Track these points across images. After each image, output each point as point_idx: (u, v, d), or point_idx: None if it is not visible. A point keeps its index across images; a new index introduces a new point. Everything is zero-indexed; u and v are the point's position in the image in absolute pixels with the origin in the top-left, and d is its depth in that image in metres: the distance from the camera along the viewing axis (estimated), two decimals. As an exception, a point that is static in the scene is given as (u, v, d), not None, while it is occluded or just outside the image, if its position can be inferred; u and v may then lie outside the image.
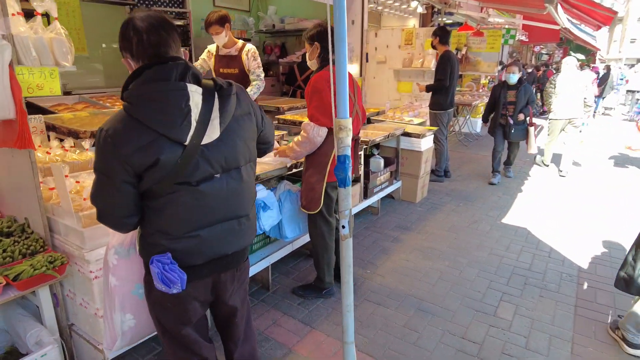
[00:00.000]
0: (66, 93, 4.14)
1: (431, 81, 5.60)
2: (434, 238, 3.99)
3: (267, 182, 2.99)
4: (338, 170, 1.62)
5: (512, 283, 3.21)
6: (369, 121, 5.41)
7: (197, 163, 1.37)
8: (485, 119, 5.93)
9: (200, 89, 1.39)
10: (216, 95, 1.42)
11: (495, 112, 5.66)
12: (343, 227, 1.67)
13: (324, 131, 2.57)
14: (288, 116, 4.54)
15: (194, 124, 1.35)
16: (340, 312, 1.87)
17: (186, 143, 1.34)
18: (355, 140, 2.85)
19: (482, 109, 9.66)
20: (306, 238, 3.21)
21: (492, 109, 5.75)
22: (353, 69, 6.36)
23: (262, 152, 1.75)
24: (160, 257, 1.41)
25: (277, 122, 4.43)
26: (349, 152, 1.60)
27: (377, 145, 4.66)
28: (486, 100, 8.05)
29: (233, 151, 1.46)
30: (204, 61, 3.90)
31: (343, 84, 1.52)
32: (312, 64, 2.72)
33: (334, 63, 1.51)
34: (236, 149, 1.47)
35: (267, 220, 2.75)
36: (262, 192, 2.72)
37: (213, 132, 1.39)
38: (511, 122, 5.49)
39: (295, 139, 2.70)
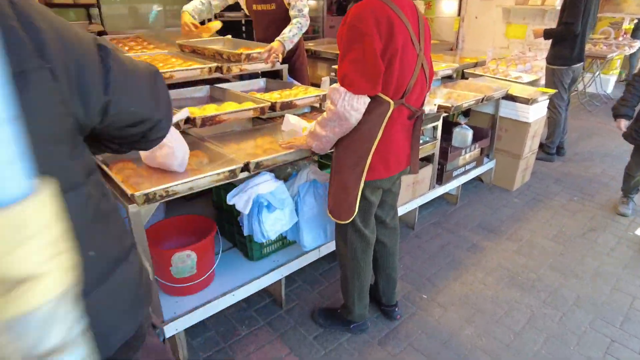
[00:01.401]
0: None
1: (553, 25, 4.06)
2: (529, 250, 2.85)
3: (282, 167, 2.10)
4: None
5: (651, 351, 2.06)
6: (462, 75, 4.15)
7: None
8: (626, 114, 3.10)
9: None
10: None
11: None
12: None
13: (362, 103, 1.59)
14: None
15: None
16: None
17: None
18: (417, 118, 1.81)
19: (618, 64, 7.49)
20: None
21: None
22: (449, 4, 4.96)
23: (143, 143, 0.88)
24: None
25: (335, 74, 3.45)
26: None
27: (466, 112, 3.46)
28: (629, 51, 6.06)
29: None
30: None
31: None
32: None
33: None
34: None
35: (272, 226, 1.91)
36: (266, 185, 1.86)
37: None
38: None
39: (319, 117, 1.74)
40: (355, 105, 1.58)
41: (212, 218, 2.14)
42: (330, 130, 1.69)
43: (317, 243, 2.14)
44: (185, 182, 1.60)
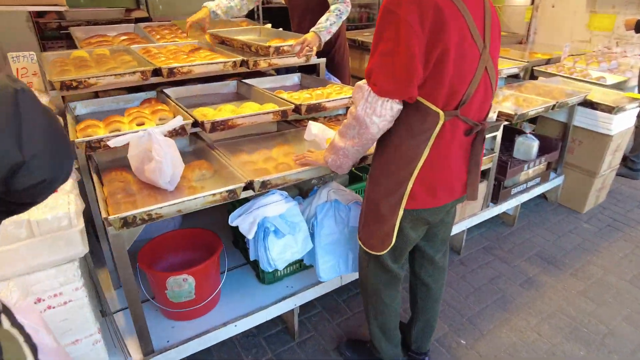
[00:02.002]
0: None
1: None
2: (600, 293, 2.35)
3: (294, 187, 1.80)
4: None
5: None
6: (531, 75, 3.61)
7: None
8: None
9: None
10: None
11: None
12: None
13: (387, 108, 1.25)
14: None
15: None
16: None
17: None
18: (477, 133, 1.42)
19: None
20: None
21: None
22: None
23: (10, 196, 0.61)
24: None
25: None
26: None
27: (532, 118, 2.96)
28: None
29: None
30: None
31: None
32: None
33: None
34: None
35: (281, 254, 1.62)
36: (274, 207, 1.57)
37: None
38: None
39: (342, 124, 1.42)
40: (378, 110, 1.25)
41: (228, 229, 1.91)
42: (349, 141, 1.36)
43: (336, 274, 1.83)
44: (172, 204, 1.35)
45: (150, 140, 1.38)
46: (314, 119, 2.33)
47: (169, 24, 3.18)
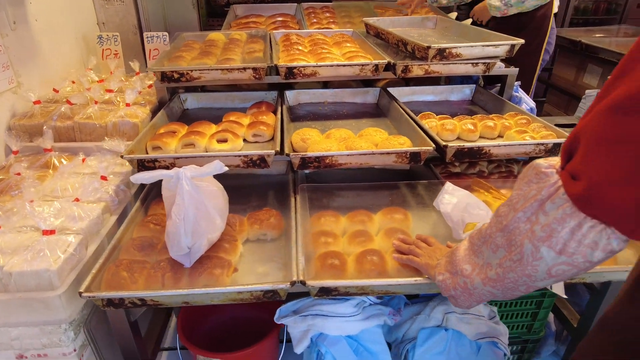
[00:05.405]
0: None
1: None
2: None
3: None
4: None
5: None
6: None
7: None
8: None
9: None
10: None
11: None
12: None
13: (603, 244, 0.51)
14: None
15: None
16: None
17: None
18: None
19: None
20: None
21: None
22: None
23: None
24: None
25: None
26: None
27: None
28: None
29: None
30: None
31: None
32: None
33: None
34: None
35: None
36: (339, 323, 0.97)
37: None
38: None
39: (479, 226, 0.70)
40: (562, 236, 0.52)
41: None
42: (482, 268, 0.66)
43: None
44: (174, 295, 0.89)
45: (177, 187, 0.94)
46: (473, 167, 1.58)
47: (335, 5, 2.71)
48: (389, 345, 1.17)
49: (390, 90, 1.85)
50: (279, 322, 1.06)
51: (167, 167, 1.22)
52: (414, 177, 1.60)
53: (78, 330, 1.05)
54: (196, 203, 0.93)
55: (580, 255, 0.52)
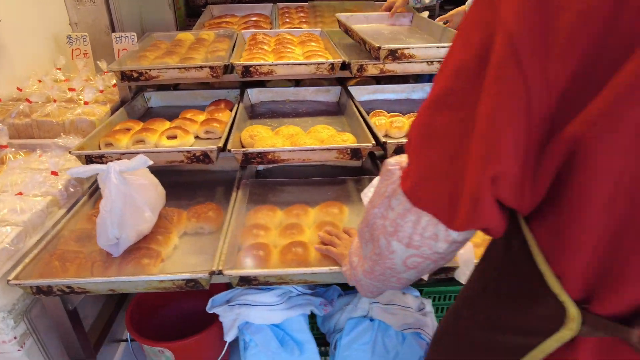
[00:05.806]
0: None
1: None
2: None
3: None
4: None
5: None
6: None
7: None
8: None
9: None
10: None
11: None
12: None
13: (429, 233, 0.52)
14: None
15: None
16: None
17: None
18: None
19: None
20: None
21: None
22: None
23: None
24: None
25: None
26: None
27: None
28: None
29: None
30: None
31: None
32: None
33: None
34: None
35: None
36: (263, 312, 1.00)
37: None
38: None
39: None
40: (406, 230, 0.54)
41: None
42: (362, 260, 0.69)
43: None
44: (100, 282, 0.93)
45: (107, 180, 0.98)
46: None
47: (309, 6, 2.75)
48: (323, 335, 1.21)
49: (354, 88, 1.89)
50: (210, 312, 1.10)
51: (113, 163, 1.26)
52: (365, 174, 1.64)
53: (19, 319, 1.10)
54: (123, 196, 0.97)
55: (427, 247, 0.54)
